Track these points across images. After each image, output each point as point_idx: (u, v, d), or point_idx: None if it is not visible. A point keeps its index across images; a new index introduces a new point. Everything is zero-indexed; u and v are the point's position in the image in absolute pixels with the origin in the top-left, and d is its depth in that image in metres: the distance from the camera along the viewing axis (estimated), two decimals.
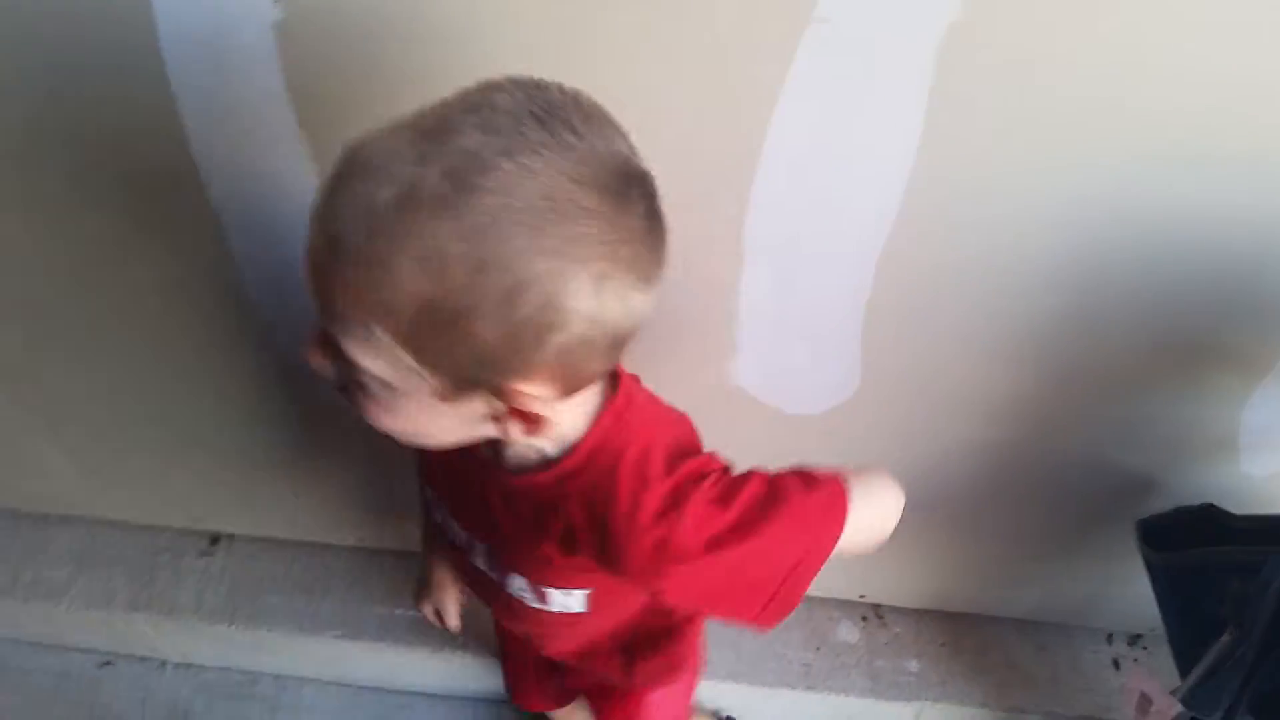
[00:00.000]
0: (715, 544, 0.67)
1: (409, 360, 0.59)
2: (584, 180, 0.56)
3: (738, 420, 1.07)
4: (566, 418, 0.70)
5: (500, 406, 0.64)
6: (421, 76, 0.79)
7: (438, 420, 0.65)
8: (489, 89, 0.58)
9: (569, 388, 0.64)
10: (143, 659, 1.55)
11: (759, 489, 0.70)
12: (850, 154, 0.85)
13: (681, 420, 0.79)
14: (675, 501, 0.67)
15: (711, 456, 0.73)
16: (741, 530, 0.68)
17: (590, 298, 0.58)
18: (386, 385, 0.62)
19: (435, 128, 0.56)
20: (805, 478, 0.72)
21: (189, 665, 1.54)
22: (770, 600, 0.70)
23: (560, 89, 0.59)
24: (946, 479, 1.18)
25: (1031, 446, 1.13)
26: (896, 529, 0.76)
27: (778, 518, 0.68)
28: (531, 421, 0.65)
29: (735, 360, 1.05)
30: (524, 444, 0.70)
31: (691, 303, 0.97)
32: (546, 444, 0.72)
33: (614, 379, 0.75)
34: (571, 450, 0.71)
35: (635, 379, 0.77)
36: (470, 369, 0.60)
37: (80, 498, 1.48)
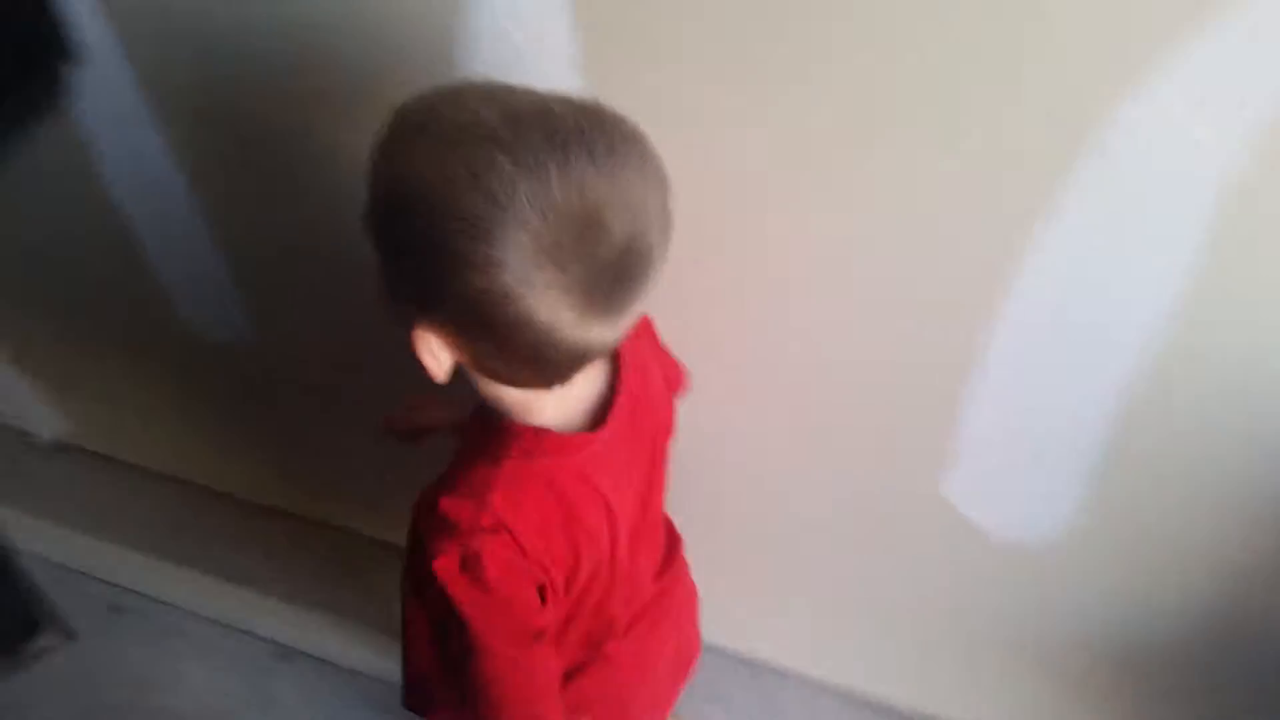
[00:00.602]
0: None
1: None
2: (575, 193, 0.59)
3: (936, 533, 1.06)
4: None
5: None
6: None
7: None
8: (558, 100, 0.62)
9: (475, 365, 0.68)
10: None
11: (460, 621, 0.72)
12: (1110, 284, 0.84)
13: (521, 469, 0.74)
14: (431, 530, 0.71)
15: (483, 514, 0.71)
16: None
17: (516, 267, 0.59)
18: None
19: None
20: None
21: None
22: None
23: (612, 119, 0.62)
24: (1150, 639, 1.12)
25: (1256, 620, 1.07)
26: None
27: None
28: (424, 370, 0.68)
29: (952, 471, 1.05)
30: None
31: (917, 399, 0.99)
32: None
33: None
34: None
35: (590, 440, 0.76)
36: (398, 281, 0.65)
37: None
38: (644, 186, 0.62)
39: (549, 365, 0.67)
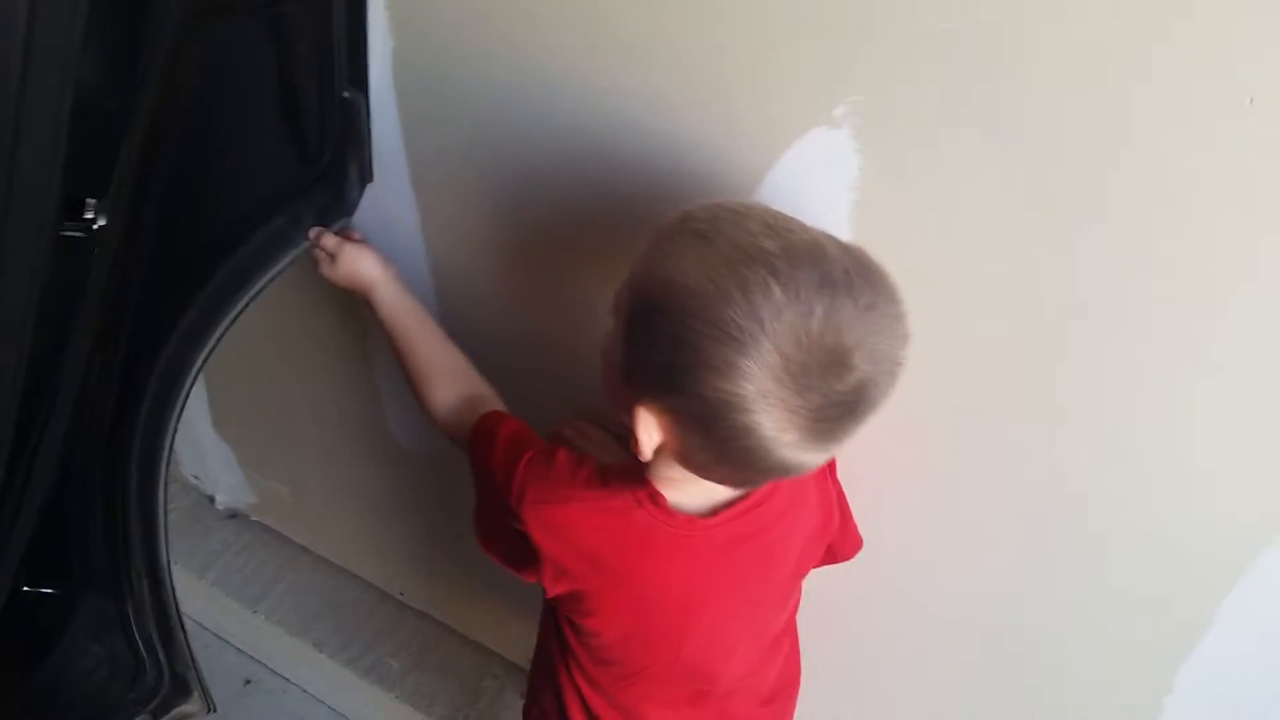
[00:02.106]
0: None
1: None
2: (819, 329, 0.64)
3: None
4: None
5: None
6: None
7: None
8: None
9: (678, 453, 0.74)
10: None
11: None
12: None
13: None
14: None
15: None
16: None
17: (760, 381, 0.64)
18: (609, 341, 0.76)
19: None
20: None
21: None
22: None
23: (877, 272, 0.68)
24: None
25: None
26: None
27: None
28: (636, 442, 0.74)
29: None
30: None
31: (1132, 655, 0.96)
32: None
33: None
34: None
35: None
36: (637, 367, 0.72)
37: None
38: (890, 339, 0.68)
39: (752, 472, 0.73)
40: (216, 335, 1.06)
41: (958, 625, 1.03)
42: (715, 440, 0.70)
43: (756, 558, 0.87)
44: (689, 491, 0.81)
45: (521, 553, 0.88)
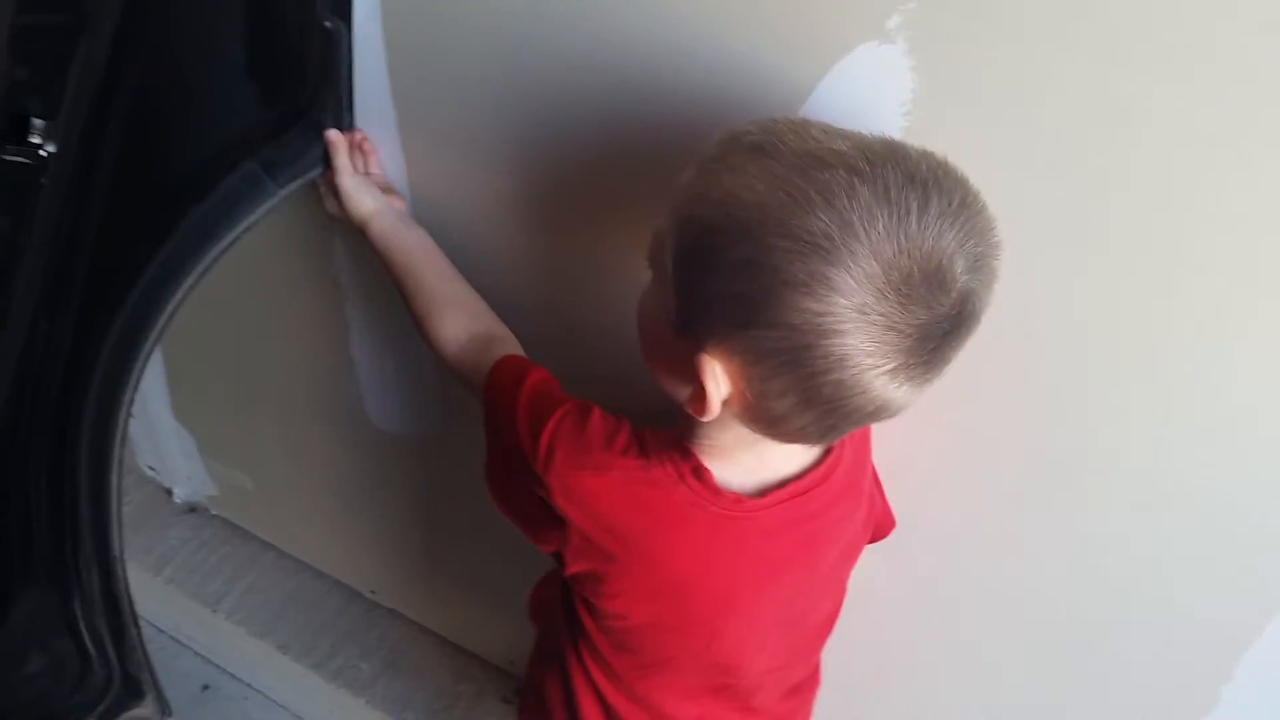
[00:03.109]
0: None
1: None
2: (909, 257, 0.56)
3: None
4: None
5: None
6: None
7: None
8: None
9: (750, 405, 0.63)
10: None
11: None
12: None
13: None
14: None
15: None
16: None
17: (858, 294, 0.56)
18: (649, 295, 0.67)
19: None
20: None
21: None
22: None
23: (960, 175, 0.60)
24: None
25: None
26: None
27: None
28: (698, 400, 0.65)
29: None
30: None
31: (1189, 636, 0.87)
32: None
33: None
34: None
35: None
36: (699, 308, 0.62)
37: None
38: (987, 244, 0.59)
39: (837, 417, 0.62)
40: (179, 294, 0.95)
41: (1013, 604, 0.94)
42: (801, 378, 0.60)
43: (804, 544, 0.77)
44: (740, 464, 0.73)
45: (541, 517, 0.78)
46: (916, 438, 0.85)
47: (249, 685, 1.64)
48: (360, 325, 1.19)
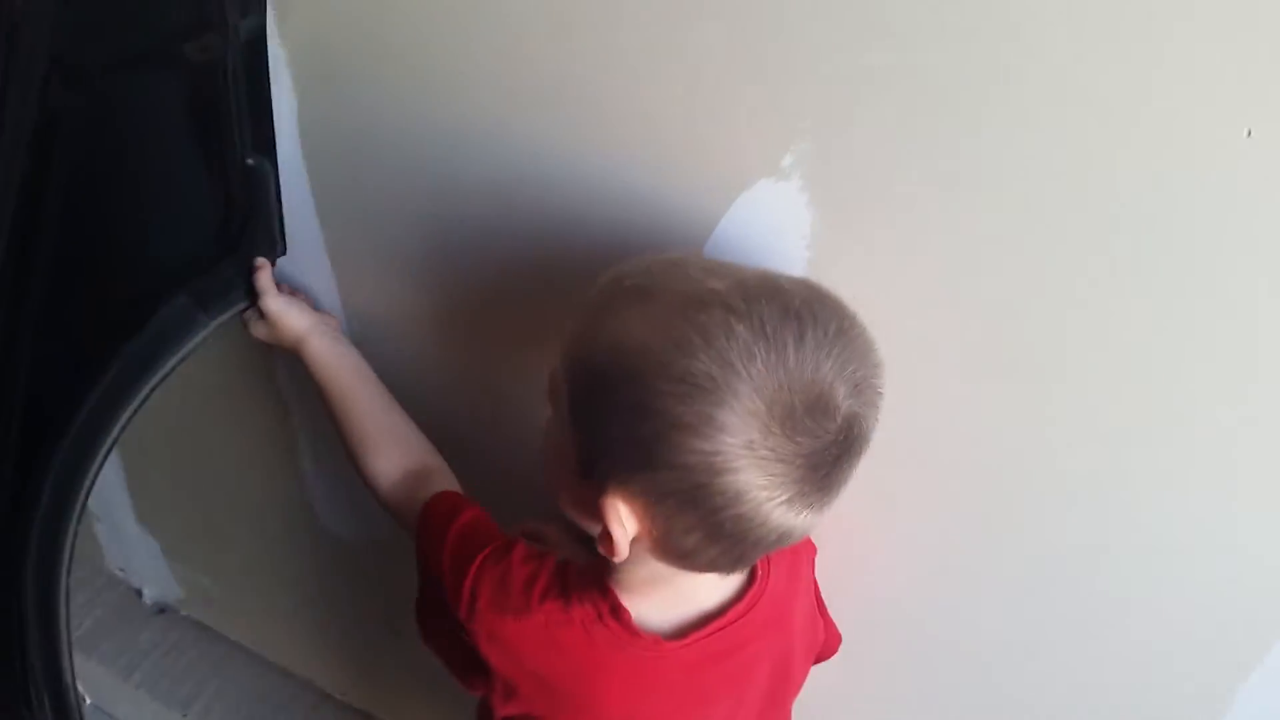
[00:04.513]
0: None
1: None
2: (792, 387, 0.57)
3: None
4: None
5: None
6: None
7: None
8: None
9: (659, 542, 0.63)
10: None
11: None
12: None
13: None
14: None
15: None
16: None
17: (744, 432, 0.56)
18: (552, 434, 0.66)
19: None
20: None
21: None
22: None
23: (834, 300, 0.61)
24: None
25: None
26: None
27: None
28: (606, 541, 0.64)
29: None
30: None
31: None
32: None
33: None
34: None
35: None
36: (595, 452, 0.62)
37: None
38: (866, 369, 0.60)
39: (745, 546, 0.62)
40: (119, 426, 0.95)
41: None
42: (703, 514, 0.60)
43: (728, 678, 0.76)
44: (658, 600, 0.72)
45: (469, 660, 0.77)
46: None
47: None
48: (307, 437, 1.19)
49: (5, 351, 0.91)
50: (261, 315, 0.95)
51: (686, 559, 0.65)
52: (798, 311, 0.58)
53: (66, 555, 1.01)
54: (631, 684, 0.73)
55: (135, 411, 0.96)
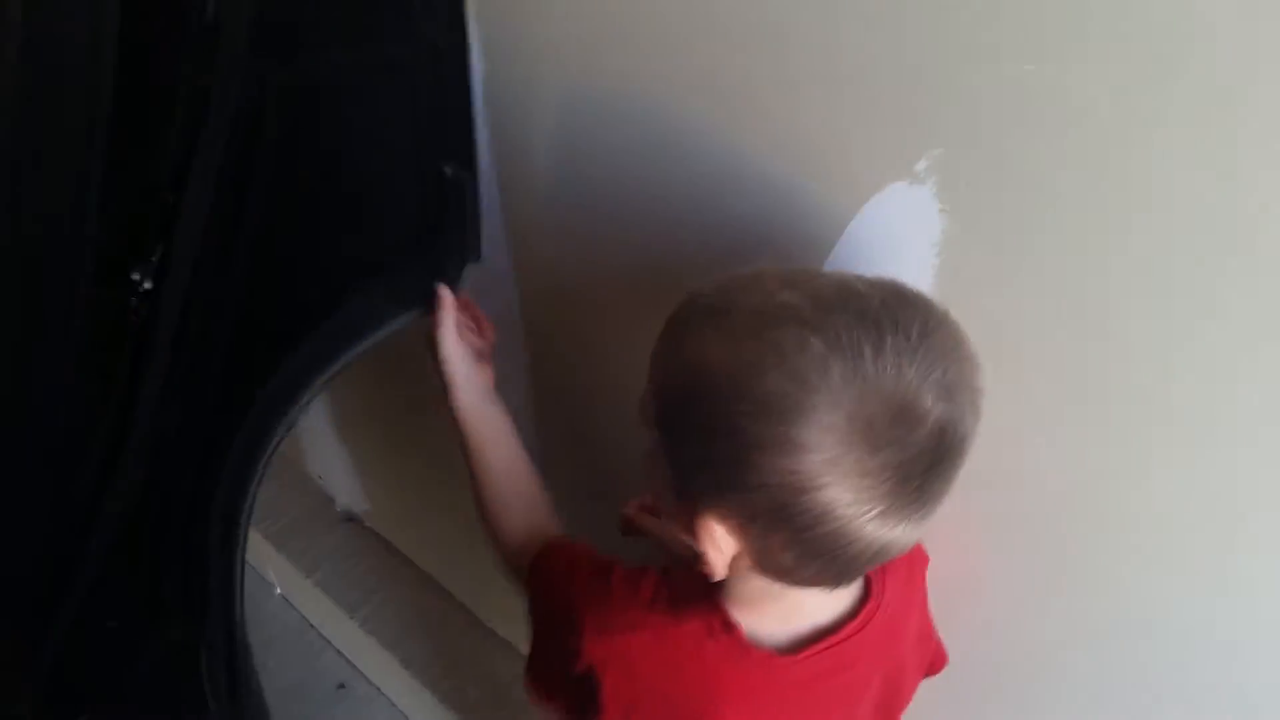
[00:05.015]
0: None
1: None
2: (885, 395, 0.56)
3: None
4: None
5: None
6: None
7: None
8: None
9: (759, 560, 0.63)
10: None
11: None
12: None
13: None
14: None
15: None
16: None
17: (825, 449, 0.55)
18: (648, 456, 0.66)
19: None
20: None
21: None
22: None
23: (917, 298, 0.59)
24: None
25: None
26: None
27: None
28: (704, 562, 0.64)
29: None
30: None
31: None
32: None
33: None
34: None
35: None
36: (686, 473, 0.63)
37: None
38: (958, 368, 0.58)
39: (843, 562, 0.61)
40: (304, 401, 0.98)
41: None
42: (794, 531, 0.59)
43: (840, 692, 0.75)
44: (769, 615, 0.71)
45: (582, 708, 0.76)
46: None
47: (378, 689, 1.76)
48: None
49: (202, 324, 0.92)
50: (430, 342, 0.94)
51: (788, 575, 0.65)
52: (876, 317, 0.56)
53: (247, 508, 1.01)
54: (745, 700, 0.72)
55: (319, 390, 0.98)
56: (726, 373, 0.58)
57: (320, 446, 1.82)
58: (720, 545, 0.63)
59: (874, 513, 0.57)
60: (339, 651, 1.82)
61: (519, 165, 0.96)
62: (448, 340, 0.92)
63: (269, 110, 0.81)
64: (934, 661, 0.86)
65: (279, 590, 1.91)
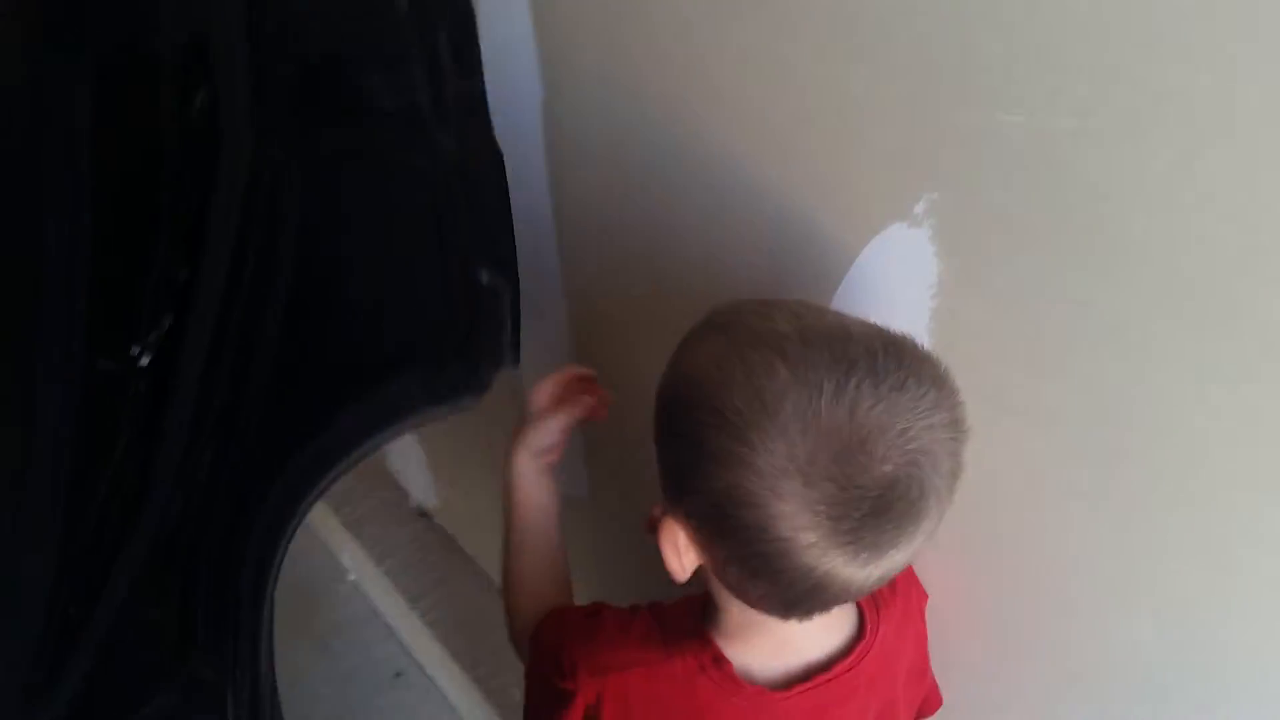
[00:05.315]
0: None
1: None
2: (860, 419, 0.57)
3: None
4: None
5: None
6: None
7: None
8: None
9: (713, 571, 0.66)
10: None
11: None
12: None
13: None
14: None
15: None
16: None
17: (764, 472, 0.58)
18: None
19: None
20: None
21: None
22: None
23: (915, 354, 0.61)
24: None
25: None
26: None
27: None
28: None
29: None
30: None
31: None
32: None
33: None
34: None
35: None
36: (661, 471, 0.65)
37: None
38: (929, 427, 0.58)
39: (786, 589, 0.62)
40: (330, 479, 0.94)
41: None
42: (735, 546, 0.62)
43: None
44: (759, 648, 0.73)
45: None
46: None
47: (433, 681, 1.82)
48: None
49: (223, 400, 0.89)
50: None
51: (741, 593, 0.67)
52: (853, 361, 0.58)
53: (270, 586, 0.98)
54: None
55: (345, 470, 0.94)
56: (702, 383, 0.61)
57: (400, 445, 1.89)
58: (680, 549, 0.66)
59: (806, 543, 0.59)
60: (400, 640, 1.88)
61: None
62: (520, 458, 0.90)
63: (283, 194, 0.80)
64: (928, 702, 0.86)
65: (352, 576, 1.99)
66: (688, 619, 0.75)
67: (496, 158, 0.88)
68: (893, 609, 0.77)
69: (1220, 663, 0.68)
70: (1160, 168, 0.55)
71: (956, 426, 0.60)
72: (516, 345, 0.95)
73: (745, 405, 0.58)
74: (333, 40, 0.82)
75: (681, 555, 0.67)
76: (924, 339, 0.72)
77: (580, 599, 1.35)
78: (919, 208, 0.68)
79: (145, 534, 0.87)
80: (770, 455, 0.57)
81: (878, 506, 0.58)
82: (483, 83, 0.86)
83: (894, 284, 0.73)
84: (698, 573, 0.70)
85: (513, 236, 0.91)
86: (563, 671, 0.76)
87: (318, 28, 0.81)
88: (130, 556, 0.86)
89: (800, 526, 0.58)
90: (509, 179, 0.90)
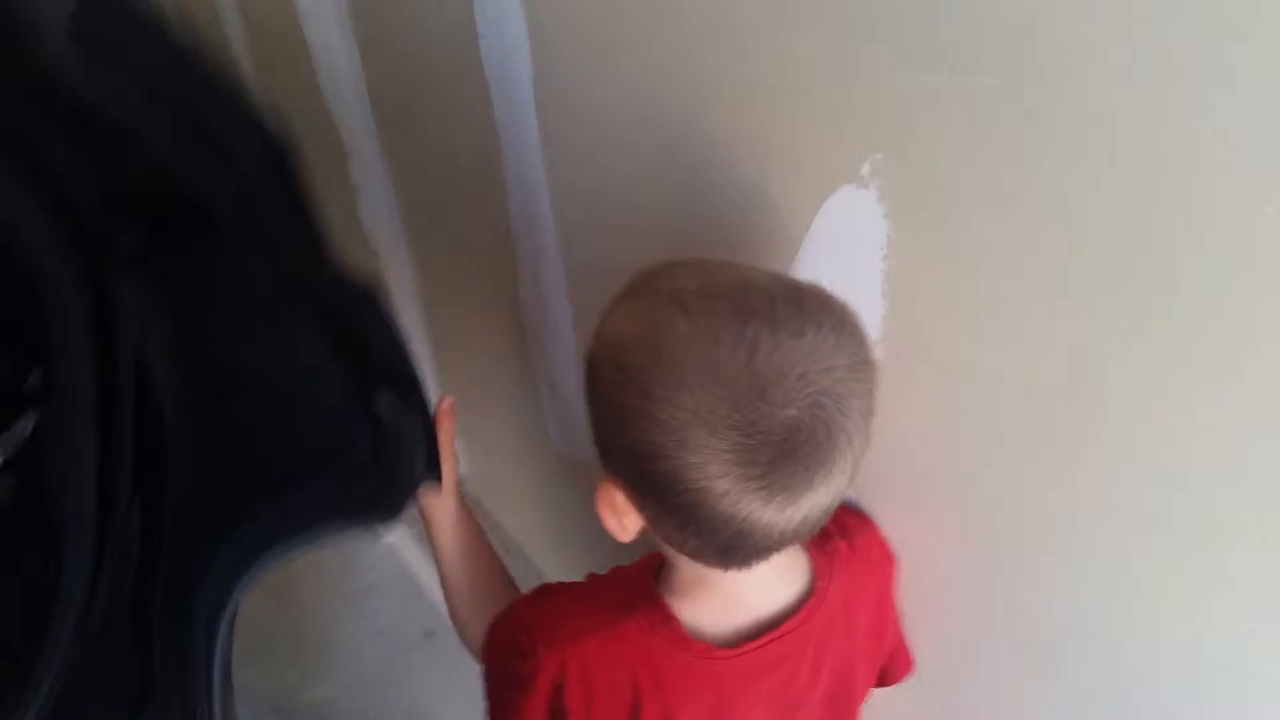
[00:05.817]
0: None
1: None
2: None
3: None
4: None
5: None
6: None
7: None
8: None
9: (642, 513, 0.67)
10: None
11: None
12: None
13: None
14: None
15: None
16: None
17: (670, 426, 0.59)
18: None
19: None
20: None
21: None
22: None
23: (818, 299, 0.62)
24: None
25: None
26: None
27: None
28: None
29: None
30: None
31: None
32: None
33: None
34: None
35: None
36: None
37: None
38: (831, 369, 0.59)
39: (711, 537, 0.64)
40: (266, 568, 0.95)
41: None
42: (659, 498, 0.64)
43: (787, 686, 0.78)
44: (707, 604, 0.75)
45: None
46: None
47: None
48: (540, 357, 1.33)
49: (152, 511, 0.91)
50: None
51: (677, 545, 0.68)
52: (751, 310, 0.59)
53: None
54: (688, 691, 0.75)
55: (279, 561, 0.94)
56: (612, 343, 0.63)
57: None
58: (619, 509, 0.67)
59: (720, 491, 0.60)
60: (430, 601, 1.93)
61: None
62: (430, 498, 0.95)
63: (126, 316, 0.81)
64: (895, 666, 0.86)
65: (385, 538, 2.04)
66: (642, 579, 0.76)
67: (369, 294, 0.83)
68: (849, 566, 0.78)
69: (1168, 631, 0.68)
70: (1077, 123, 0.55)
71: (860, 368, 0.61)
72: (435, 465, 0.92)
73: (648, 361, 0.60)
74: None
75: (621, 516, 0.68)
76: (879, 301, 0.72)
77: (581, 569, 1.39)
78: (865, 169, 0.68)
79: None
80: (674, 408, 0.59)
81: (784, 450, 0.59)
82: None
83: (849, 247, 0.73)
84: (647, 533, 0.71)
85: (409, 361, 0.87)
86: (522, 651, 0.77)
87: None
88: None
89: (712, 475, 0.60)
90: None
